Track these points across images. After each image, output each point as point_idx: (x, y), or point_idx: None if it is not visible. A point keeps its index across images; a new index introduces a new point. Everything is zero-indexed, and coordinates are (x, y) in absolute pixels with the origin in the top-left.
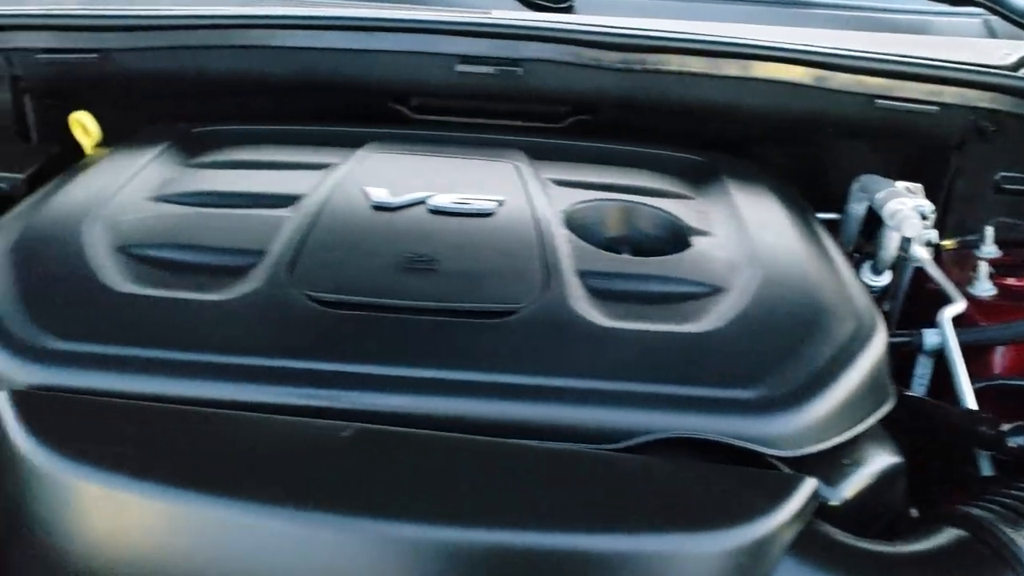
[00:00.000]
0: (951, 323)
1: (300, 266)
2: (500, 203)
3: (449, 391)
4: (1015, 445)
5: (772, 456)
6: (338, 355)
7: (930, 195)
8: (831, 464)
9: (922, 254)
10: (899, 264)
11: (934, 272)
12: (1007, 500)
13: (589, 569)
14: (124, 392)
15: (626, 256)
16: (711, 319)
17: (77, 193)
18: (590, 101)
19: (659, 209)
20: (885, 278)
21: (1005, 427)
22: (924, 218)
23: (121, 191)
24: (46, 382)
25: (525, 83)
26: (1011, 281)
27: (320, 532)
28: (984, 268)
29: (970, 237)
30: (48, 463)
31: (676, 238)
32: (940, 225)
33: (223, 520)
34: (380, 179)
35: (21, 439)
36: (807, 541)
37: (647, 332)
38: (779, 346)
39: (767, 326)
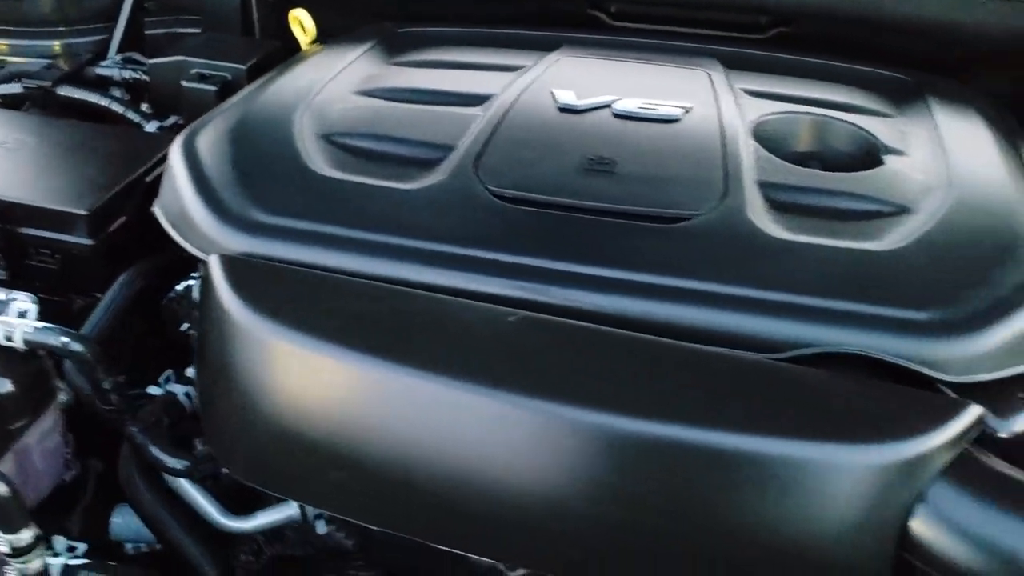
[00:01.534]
0: None
1: (485, 162)
2: (687, 110)
3: (618, 290)
4: None
5: (937, 380)
6: (511, 248)
7: None
8: (1006, 395)
9: None
10: None
11: None
12: None
13: (733, 467)
14: (317, 264)
15: (811, 170)
16: (893, 239)
17: (290, 84)
18: (790, 10)
19: (853, 125)
20: None
21: None
22: None
23: (329, 84)
24: (251, 250)
25: None
26: None
27: (475, 402)
28: None
29: None
30: (249, 321)
31: (868, 155)
32: None
33: (392, 384)
34: (569, 82)
35: (227, 298)
36: (963, 466)
37: (823, 247)
38: (960, 270)
39: (951, 249)
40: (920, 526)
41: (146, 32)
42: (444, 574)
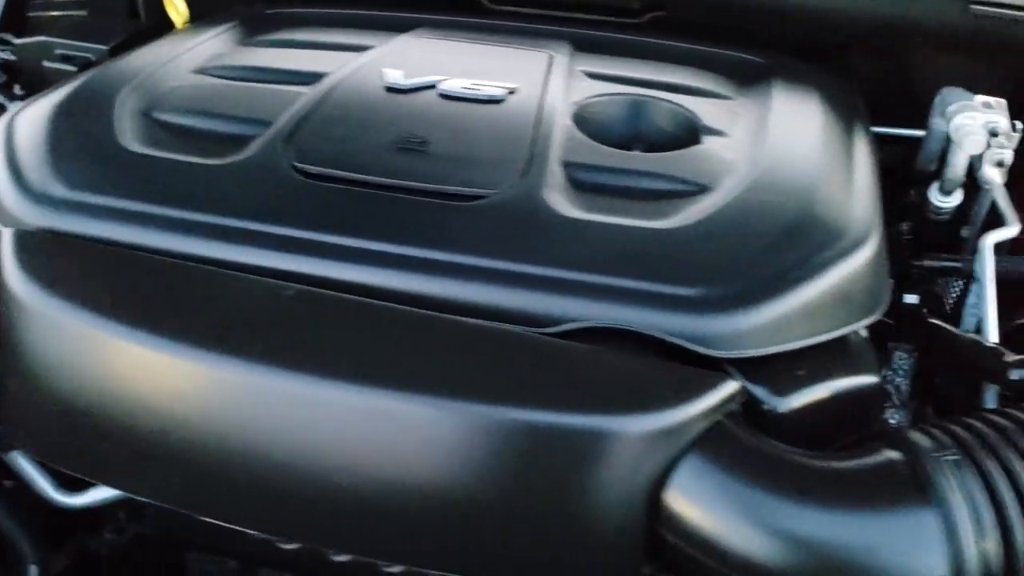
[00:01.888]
0: (992, 249)
1: (296, 139)
2: (512, 91)
3: (403, 266)
4: (1016, 379)
5: (703, 354)
6: (307, 224)
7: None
8: (783, 372)
9: (992, 175)
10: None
11: (999, 196)
12: (959, 430)
13: (483, 436)
14: (117, 240)
15: (618, 150)
16: (683, 217)
17: (130, 63)
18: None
19: (677, 106)
20: (954, 199)
21: (1010, 359)
22: (995, 135)
23: (170, 63)
24: (51, 225)
25: None
26: None
27: (234, 376)
28: None
29: None
30: (26, 293)
31: (687, 136)
32: None
33: (154, 358)
34: (406, 63)
35: (11, 271)
36: (716, 440)
37: (609, 225)
38: (738, 249)
39: (735, 227)
40: (671, 499)
41: (28, 14)
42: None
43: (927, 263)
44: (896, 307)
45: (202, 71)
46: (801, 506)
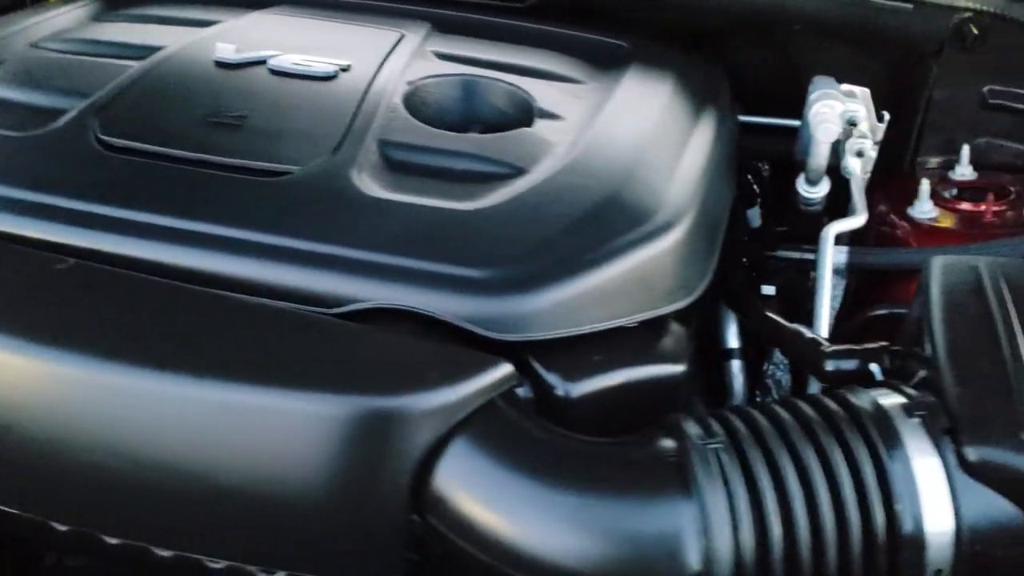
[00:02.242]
0: (832, 239)
1: (108, 111)
2: (345, 68)
3: (189, 242)
4: (831, 369)
5: (487, 338)
6: (103, 198)
7: (909, 107)
8: (578, 357)
9: (852, 165)
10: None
11: (854, 186)
12: (734, 419)
13: (234, 416)
14: None
15: (438, 131)
16: (488, 199)
17: None
18: None
19: (513, 87)
20: (821, 188)
21: (827, 349)
22: (853, 124)
23: (10, 36)
24: None
25: None
26: (965, 206)
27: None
28: (925, 189)
29: (954, 156)
30: None
31: (521, 118)
32: (920, 141)
33: None
34: (248, 38)
35: None
36: (480, 423)
37: (409, 205)
38: (535, 231)
39: (534, 210)
40: (435, 483)
41: None
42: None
43: (781, 254)
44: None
45: (38, 45)
46: (558, 490)
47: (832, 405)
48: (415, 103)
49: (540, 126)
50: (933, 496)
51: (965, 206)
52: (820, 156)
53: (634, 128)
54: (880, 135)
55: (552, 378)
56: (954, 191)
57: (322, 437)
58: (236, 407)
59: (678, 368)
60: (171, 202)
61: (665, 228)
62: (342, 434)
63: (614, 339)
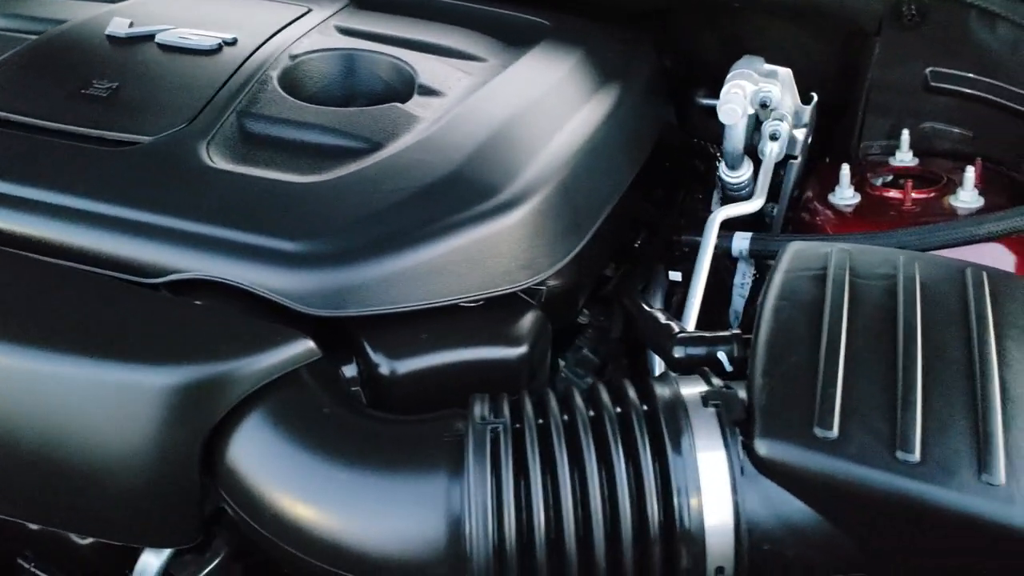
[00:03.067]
0: (717, 225)
1: None
2: (230, 42)
3: (32, 210)
4: (679, 356)
5: (299, 312)
6: None
7: (854, 89)
8: (405, 335)
9: (767, 148)
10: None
11: (763, 172)
12: (528, 402)
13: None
14: None
15: (302, 104)
16: (334, 172)
17: None
18: None
19: (398, 63)
20: (741, 172)
21: (677, 336)
22: (765, 106)
23: None
24: None
25: None
26: (892, 193)
27: None
28: (845, 174)
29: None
30: None
31: (401, 93)
32: (864, 125)
33: None
34: (151, 13)
35: None
36: (271, 397)
37: (249, 177)
38: (366, 204)
39: (373, 184)
40: (223, 452)
41: None
42: None
43: (685, 239)
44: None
45: None
46: (332, 465)
47: (631, 394)
48: (294, 77)
49: (415, 102)
50: (714, 490)
51: (885, 193)
52: (733, 139)
53: (506, 105)
54: (808, 117)
55: (377, 356)
56: (889, 177)
57: (115, 405)
58: (33, 373)
59: (516, 350)
60: (21, 170)
61: (506, 207)
62: (132, 402)
63: (452, 318)
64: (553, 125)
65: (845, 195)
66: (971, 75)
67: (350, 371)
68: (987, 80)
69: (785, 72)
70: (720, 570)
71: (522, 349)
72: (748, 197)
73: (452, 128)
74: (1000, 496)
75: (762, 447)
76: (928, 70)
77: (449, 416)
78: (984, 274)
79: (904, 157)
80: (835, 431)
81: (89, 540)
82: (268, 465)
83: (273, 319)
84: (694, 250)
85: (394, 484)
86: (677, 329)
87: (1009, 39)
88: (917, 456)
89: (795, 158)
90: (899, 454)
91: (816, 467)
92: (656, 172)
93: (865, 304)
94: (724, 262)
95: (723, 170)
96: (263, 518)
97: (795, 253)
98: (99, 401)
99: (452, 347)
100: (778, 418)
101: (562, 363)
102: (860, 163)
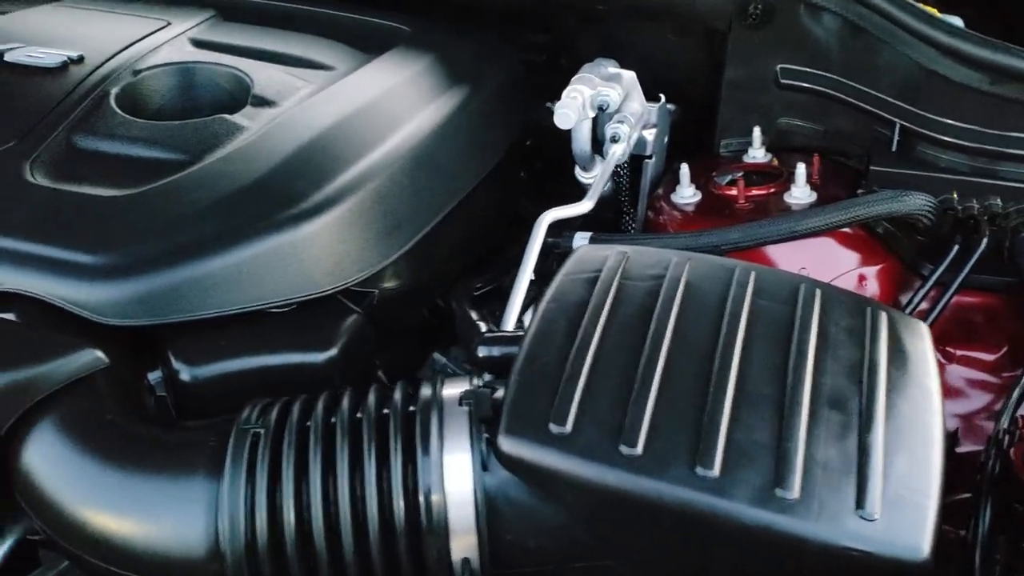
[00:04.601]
0: (545, 226)
1: None
2: (76, 60)
3: None
4: (481, 355)
5: (94, 322)
6: None
7: (709, 86)
8: (206, 341)
9: (610, 150)
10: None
11: (599, 173)
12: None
13: None
14: None
15: (131, 119)
16: (148, 185)
17: None
18: None
19: (235, 74)
20: (593, 173)
21: (482, 335)
22: (603, 110)
23: None
24: None
25: None
26: (722, 191)
27: None
28: (684, 173)
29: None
30: None
31: (234, 104)
32: (721, 122)
33: None
34: (9, 31)
35: None
36: (56, 405)
37: (61, 193)
38: (167, 216)
39: (178, 196)
40: (17, 461)
41: None
42: None
43: (549, 241)
44: None
45: None
46: (102, 469)
47: (396, 396)
48: (135, 93)
49: (245, 112)
50: (457, 487)
51: (724, 191)
52: (577, 141)
53: (333, 113)
54: (656, 117)
55: (178, 362)
56: (738, 175)
57: None
58: None
59: (324, 354)
60: None
61: (308, 214)
62: None
63: (259, 324)
64: (379, 132)
65: (685, 194)
66: (812, 70)
67: (156, 378)
68: (826, 74)
69: (629, 75)
70: (466, 561)
71: (330, 353)
72: (606, 196)
73: (269, 137)
74: (711, 487)
75: (504, 443)
76: (778, 67)
77: (221, 422)
78: (752, 273)
79: (756, 153)
80: (568, 427)
81: None
82: (50, 468)
83: (77, 330)
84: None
85: (160, 486)
86: (484, 329)
87: (837, 32)
88: (639, 450)
89: (648, 158)
90: (623, 448)
91: (548, 462)
92: (540, 173)
93: (627, 304)
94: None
95: (577, 171)
96: (46, 517)
97: (578, 256)
98: None
99: (254, 352)
100: (519, 415)
101: (442, 358)
102: (720, 161)
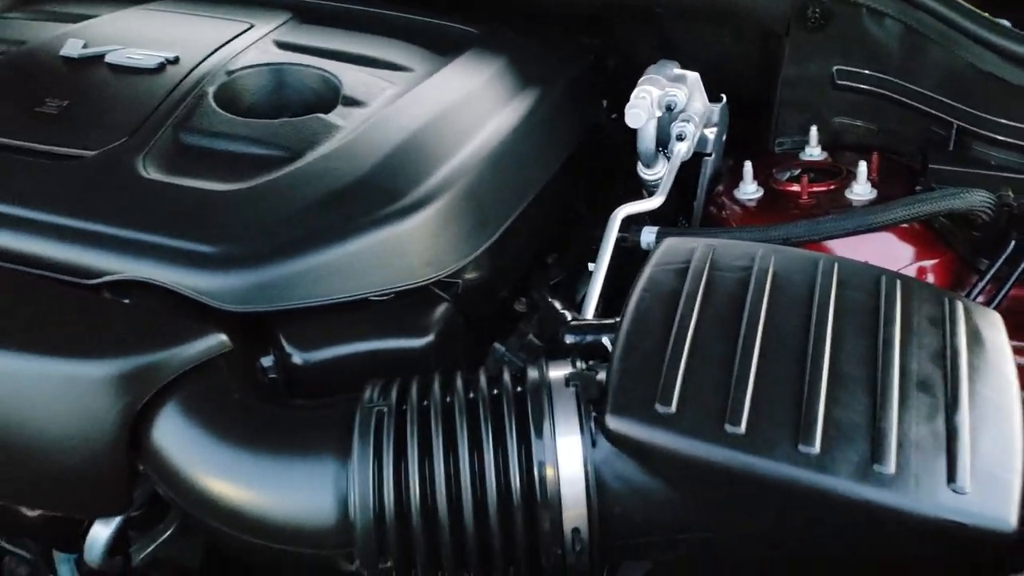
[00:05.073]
0: (619, 220)
1: None
2: (173, 60)
3: None
4: (569, 342)
5: (215, 308)
6: None
7: (766, 87)
8: (316, 327)
9: (675, 148)
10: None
11: (668, 169)
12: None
13: None
14: None
15: (234, 117)
16: (256, 180)
17: None
18: None
19: (324, 75)
20: (656, 170)
21: (568, 323)
22: (670, 109)
23: None
24: None
25: None
26: (792, 187)
27: None
28: (748, 170)
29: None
30: None
31: (325, 104)
32: (779, 122)
33: None
34: (103, 34)
35: None
36: (188, 386)
37: (179, 187)
38: (280, 209)
39: (289, 191)
40: (149, 438)
41: None
42: None
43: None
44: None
45: None
46: (234, 447)
47: (506, 378)
48: (230, 92)
49: (338, 112)
50: (569, 463)
51: (786, 187)
52: (643, 139)
53: (421, 114)
54: (717, 117)
55: (290, 347)
56: (796, 172)
57: (54, 394)
58: None
59: (422, 340)
60: None
61: (409, 210)
62: (68, 391)
63: (362, 311)
64: (465, 131)
65: (748, 190)
66: (869, 72)
67: (268, 361)
68: (882, 76)
69: (693, 76)
70: (576, 531)
71: (428, 338)
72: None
73: (366, 137)
74: (814, 464)
75: (611, 422)
76: (834, 68)
77: (345, 401)
78: (835, 265)
79: (813, 151)
80: (673, 407)
81: (37, 512)
82: (183, 445)
83: (196, 316)
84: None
85: (290, 462)
86: (569, 317)
87: (896, 35)
88: (743, 429)
89: (708, 155)
90: (727, 427)
91: (656, 440)
92: (593, 170)
93: (718, 294)
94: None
95: (640, 168)
96: (180, 491)
97: (665, 248)
98: (40, 391)
99: (360, 338)
100: (626, 396)
101: (502, 347)
102: (776, 158)
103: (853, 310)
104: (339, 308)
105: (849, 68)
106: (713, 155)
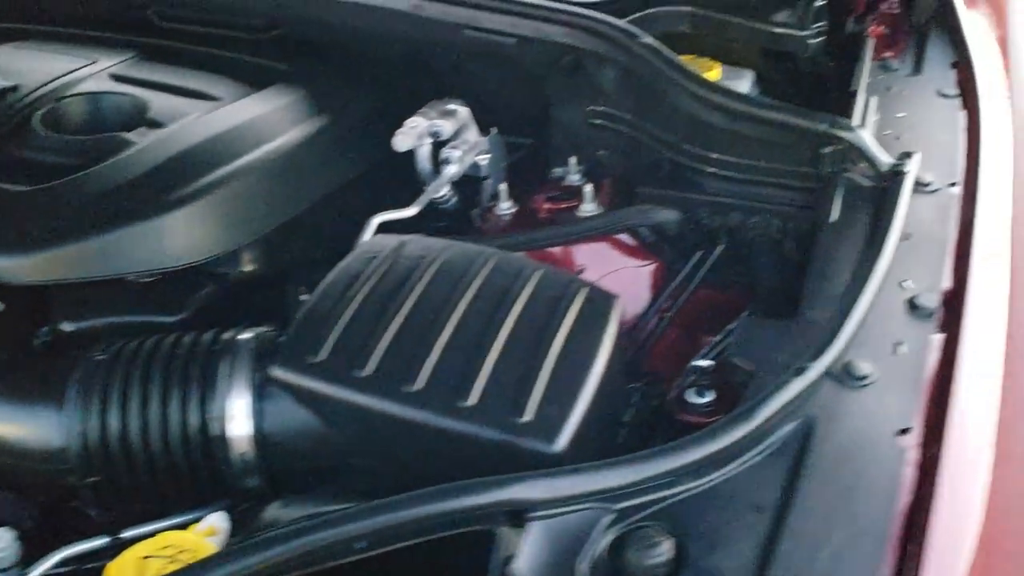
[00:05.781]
0: (373, 228)
1: None
2: (12, 88)
3: None
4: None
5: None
6: None
7: (541, 124)
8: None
9: (445, 170)
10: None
11: (428, 188)
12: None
13: None
14: None
15: (49, 134)
16: (47, 183)
17: None
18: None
19: (135, 101)
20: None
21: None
22: (436, 137)
23: None
24: None
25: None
26: (531, 205)
27: None
28: (503, 190)
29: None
30: None
31: (130, 127)
32: (552, 153)
33: None
34: None
35: None
36: None
37: None
38: (60, 207)
39: (69, 192)
40: None
41: None
42: None
43: None
44: None
45: None
46: None
47: (206, 337)
48: (55, 115)
49: (138, 131)
50: (238, 406)
51: (532, 205)
52: (419, 161)
53: (205, 132)
54: (487, 146)
55: (61, 316)
56: (555, 194)
57: None
58: None
59: (174, 317)
60: None
61: (169, 206)
62: None
63: (130, 290)
64: (244, 147)
65: (503, 207)
66: (611, 111)
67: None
68: (619, 115)
69: (464, 111)
70: (243, 455)
71: (180, 315)
72: (448, 206)
73: (149, 149)
74: (412, 400)
75: (273, 371)
76: (588, 108)
77: (81, 354)
78: (495, 259)
79: (572, 178)
80: (321, 357)
81: None
82: None
83: None
84: None
85: (32, 401)
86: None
87: (619, 81)
88: (370, 373)
89: (485, 179)
90: (356, 372)
91: (309, 384)
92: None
93: (391, 275)
94: None
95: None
96: None
97: (368, 242)
98: None
99: (121, 312)
100: (291, 350)
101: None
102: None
103: (491, 289)
104: (109, 285)
105: (596, 108)
106: (490, 179)
